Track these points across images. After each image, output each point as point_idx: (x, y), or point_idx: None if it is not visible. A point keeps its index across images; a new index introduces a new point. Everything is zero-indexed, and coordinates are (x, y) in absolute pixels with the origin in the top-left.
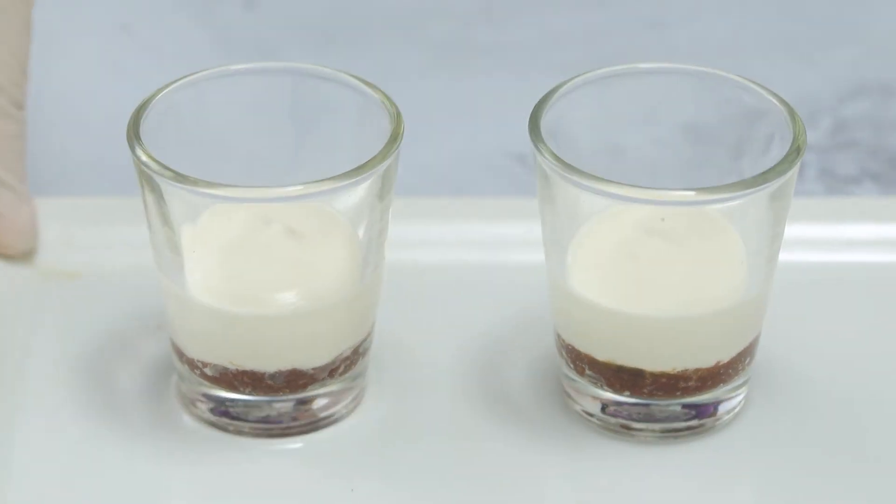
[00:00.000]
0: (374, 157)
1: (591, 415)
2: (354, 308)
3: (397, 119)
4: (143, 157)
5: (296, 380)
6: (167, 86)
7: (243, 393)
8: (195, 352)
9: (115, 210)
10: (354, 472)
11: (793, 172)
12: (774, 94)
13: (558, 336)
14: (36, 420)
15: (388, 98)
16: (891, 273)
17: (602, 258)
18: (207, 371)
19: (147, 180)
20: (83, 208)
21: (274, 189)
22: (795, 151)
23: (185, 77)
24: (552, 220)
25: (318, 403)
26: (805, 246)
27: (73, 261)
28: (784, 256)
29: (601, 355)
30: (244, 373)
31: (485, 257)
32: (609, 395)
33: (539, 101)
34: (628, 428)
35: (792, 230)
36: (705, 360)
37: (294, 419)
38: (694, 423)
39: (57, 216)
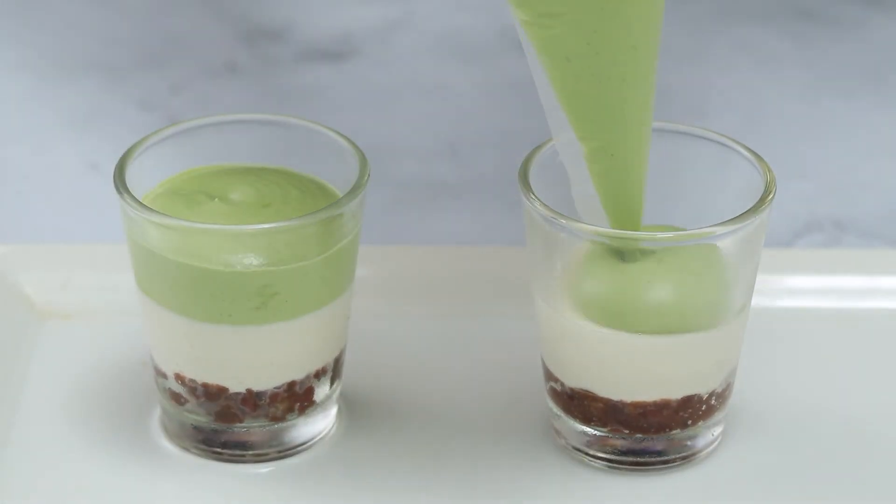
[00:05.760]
0: None
1: (577, 449)
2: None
3: None
4: None
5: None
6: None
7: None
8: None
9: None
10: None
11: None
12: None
13: (545, 369)
14: (27, 449)
15: None
16: (862, 318)
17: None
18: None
19: None
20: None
21: None
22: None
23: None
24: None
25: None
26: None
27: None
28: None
29: (585, 385)
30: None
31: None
32: (592, 431)
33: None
34: (612, 462)
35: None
36: (681, 391)
37: (269, 444)
38: (672, 457)
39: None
